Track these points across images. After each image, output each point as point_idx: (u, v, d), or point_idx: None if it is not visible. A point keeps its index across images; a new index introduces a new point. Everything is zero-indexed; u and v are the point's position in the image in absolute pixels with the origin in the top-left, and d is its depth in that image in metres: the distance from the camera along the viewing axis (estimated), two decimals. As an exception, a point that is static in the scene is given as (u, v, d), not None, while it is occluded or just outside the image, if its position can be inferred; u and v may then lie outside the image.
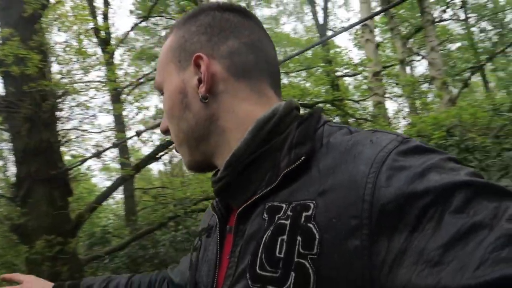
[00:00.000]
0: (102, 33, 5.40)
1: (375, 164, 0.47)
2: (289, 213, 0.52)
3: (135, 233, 5.70)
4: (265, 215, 0.55)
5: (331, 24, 15.13)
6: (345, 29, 3.03)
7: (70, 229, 4.37)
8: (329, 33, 11.65)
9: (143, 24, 9.19)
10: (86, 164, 5.47)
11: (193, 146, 0.68)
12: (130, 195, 8.87)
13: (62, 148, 4.91)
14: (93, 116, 5.33)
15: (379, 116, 5.45)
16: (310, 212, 0.50)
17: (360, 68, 6.70)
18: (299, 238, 0.49)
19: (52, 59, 4.52)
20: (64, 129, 4.89)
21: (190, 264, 0.76)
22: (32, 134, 4.15)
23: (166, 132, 0.73)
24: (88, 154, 5.09)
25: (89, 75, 4.77)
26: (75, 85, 4.64)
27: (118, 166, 9.00)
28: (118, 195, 10.85)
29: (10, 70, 3.71)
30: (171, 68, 0.69)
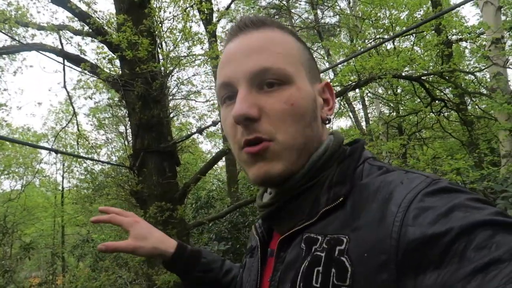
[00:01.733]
0: (204, 12, 5.60)
1: (403, 204, 0.50)
2: (324, 245, 0.56)
3: (235, 202, 6.04)
4: (303, 245, 0.60)
5: (446, -19, 13.49)
6: (464, 2, 2.64)
7: (178, 197, 4.82)
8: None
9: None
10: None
11: (302, 156, 0.64)
12: (232, 163, 9.33)
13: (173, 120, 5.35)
14: (196, 92, 5.68)
15: (497, 90, 4.81)
16: (343, 246, 0.53)
17: (476, 33, 5.93)
18: (333, 270, 0.53)
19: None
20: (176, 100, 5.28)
21: (236, 283, 0.83)
22: (144, 110, 4.59)
23: (250, 119, 0.61)
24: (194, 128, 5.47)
25: (193, 52, 5.04)
26: (180, 63, 4.94)
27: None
28: (221, 162, 11.55)
29: (124, 54, 4.11)
30: (303, 71, 0.66)
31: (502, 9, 5.67)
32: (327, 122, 0.70)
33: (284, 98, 0.62)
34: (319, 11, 12.73)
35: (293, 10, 13.25)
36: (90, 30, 4.57)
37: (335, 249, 0.54)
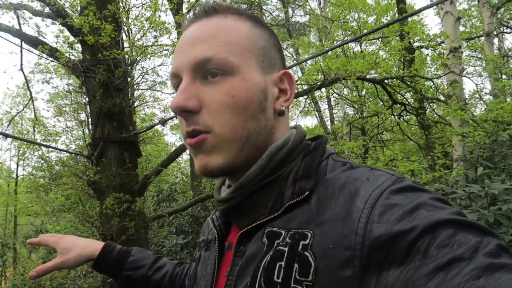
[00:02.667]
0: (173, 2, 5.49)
1: (370, 200, 0.51)
2: (287, 240, 0.55)
3: (197, 196, 6.00)
4: (265, 239, 0.59)
5: (412, -11, 13.95)
6: (426, 7, 2.78)
7: (138, 189, 4.72)
8: (408, 0, 10.77)
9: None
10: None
11: (246, 149, 0.62)
12: (195, 157, 9.23)
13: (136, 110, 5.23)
14: (162, 83, 5.57)
15: (453, 97, 5.03)
16: (307, 241, 0.53)
17: (437, 41, 6.18)
18: (296, 265, 0.52)
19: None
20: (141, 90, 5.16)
21: (189, 276, 0.81)
22: (106, 99, 4.46)
23: (188, 112, 0.60)
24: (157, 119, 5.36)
25: (160, 41, 4.94)
26: (145, 51, 4.83)
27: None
28: (185, 155, 11.42)
29: (85, 39, 3.97)
30: (252, 60, 0.64)
31: (461, 20, 5.93)
32: (281, 113, 0.67)
33: (225, 89, 0.61)
34: (290, 10, 12.83)
35: (264, 7, 13.25)
36: (51, 12, 4.37)
37: (299, 243, 0.53)
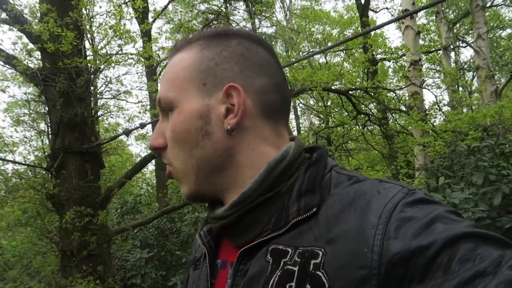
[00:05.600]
0: (138, 10, 5.41)
1: (383, 215, 0.49)
2: (296, 259, 0.52)
3: (163, 208, 5.86)
4: (269, 257, 0.55)
5: (373, 4, 14.47)
6: (388, 22, 2.87)
7: (100, 201, 4.56)
8: (371, 14, 11.17)
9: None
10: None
11: (203, 176, 0.62)
12: (162, 168, 9.05)
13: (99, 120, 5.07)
14: (126, 92, 5.45)
15: (414, 108, 5.22)
16: (319, 260, 0.50)
17: (399, 54, 6.41)
18: (308, 286, 0.49)
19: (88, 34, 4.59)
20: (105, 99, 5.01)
21: None
22: (66, 108, 4.30)
23: (157, 149, 0.67)
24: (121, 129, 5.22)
25: (124, 50, 4.83)
26: (109, 60, 4.71)
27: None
28: (151, 166, 11.18)
29: (45, 46, 3.82)
30: (191, 88, 0.63)
31: (420, 34, 6.19)
32: (232, 132, 0.62)
33: (170, 125, 0.64)
34: (256, 20, 12.95)
35: (231, 17, 13.32)
36: (8, 18, 4.18)
37: (310, 262, 0.50)
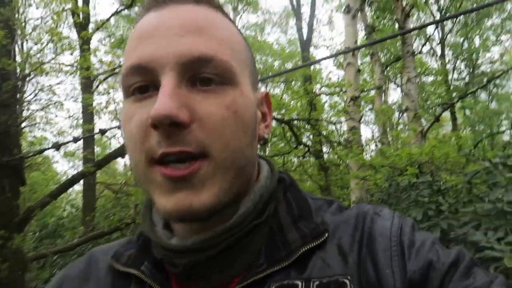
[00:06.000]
0: (79, 16, 5.10)
1: (393, 238, 0.48)
2: None
3: (89, 233, 5.38)
4: None
5: (314, 41, 15.27)
6: (330, 56, 2.96)
7: (18, 222, 4.05)
8: (311, 49, 11.73)
9: (126, 12, 8.76)
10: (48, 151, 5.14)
11: (236, 182, 0.47)
12: (90, 188, 8.45)
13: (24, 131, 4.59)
14: (58, 102, 5.03)
15: (353, 141, 5.45)
16: None
17: (338, 89, 6.72)
18: None
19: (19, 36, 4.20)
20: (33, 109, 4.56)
21: None
22: (-13, 115, 3.82)
23: (177, 125, 0.42)
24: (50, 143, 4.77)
25: (60, 59, 4.48)
26: (43, 67, 4.33)
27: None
28: (78, 186, 10.38)
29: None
30: (246, 72, 0.50)
31: (360, 71, 6.55)
32: (262, 142, 0.55)
33: (226, 102, 0.45)
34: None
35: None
36: None
37: None
